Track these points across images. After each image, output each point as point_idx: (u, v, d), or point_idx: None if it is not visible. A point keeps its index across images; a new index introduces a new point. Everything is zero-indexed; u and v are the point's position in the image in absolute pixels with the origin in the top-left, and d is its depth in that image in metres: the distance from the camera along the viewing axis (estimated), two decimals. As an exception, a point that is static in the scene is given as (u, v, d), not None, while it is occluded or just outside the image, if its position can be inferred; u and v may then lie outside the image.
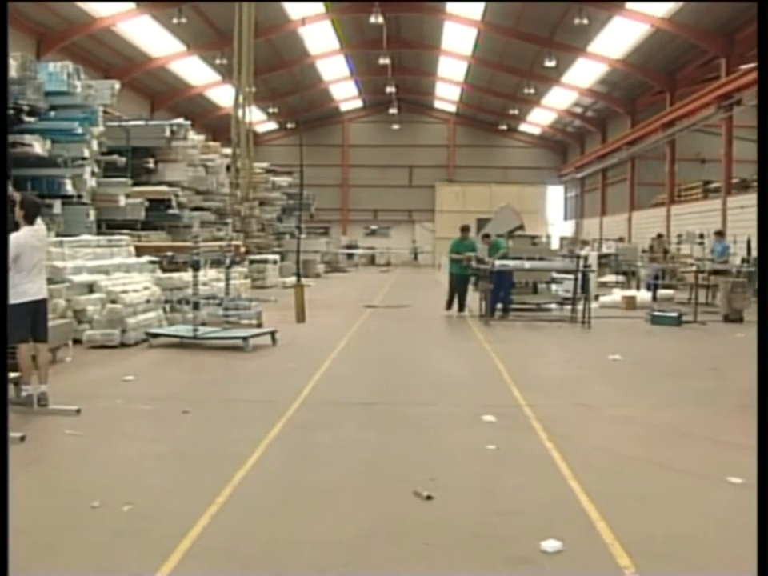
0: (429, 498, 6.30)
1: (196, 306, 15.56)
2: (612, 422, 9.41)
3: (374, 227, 72.19)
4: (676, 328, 19.67)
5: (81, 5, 36.31)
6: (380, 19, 41.36)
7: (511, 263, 21.44)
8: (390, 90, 58.08)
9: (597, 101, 55.18)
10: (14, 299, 8.84)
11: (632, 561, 5.16)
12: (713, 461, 7.70)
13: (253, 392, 11.06)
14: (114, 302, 15.19)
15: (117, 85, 24.79)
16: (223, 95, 50.91)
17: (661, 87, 46.15)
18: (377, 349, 15.94)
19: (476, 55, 50.84)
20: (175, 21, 38.86)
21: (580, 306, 20.48)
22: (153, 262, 18.83)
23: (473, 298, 22.46)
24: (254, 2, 16.53)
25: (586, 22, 37.97)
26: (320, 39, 48.49)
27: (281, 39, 46.51)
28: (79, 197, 22.30)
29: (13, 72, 19.86)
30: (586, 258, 22.60)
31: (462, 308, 22.06)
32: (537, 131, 70.01)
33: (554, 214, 71.95)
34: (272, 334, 15.69)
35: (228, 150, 29.63)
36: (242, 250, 25.53)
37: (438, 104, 69.74)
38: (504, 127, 68.29)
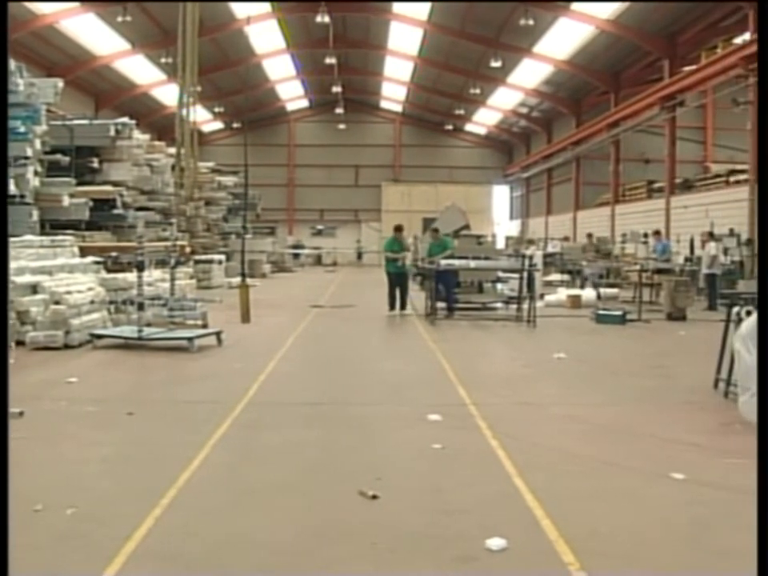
0: (374, 497, 6.30)
1: (141, 307, 15.47)
2: (557, 420, 9.46)
3: (320, 227, 72.07)
4: (620, 326, 19.85)
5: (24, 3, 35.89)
6: (326, 19, 41.33)
7: (457, 262, 21.54)
8: (337, 89, 58.10)
9: (542, 101, 55.54)
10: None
11: (576, 557, 5.20)
12: (656, 457, 7.77)
13: (198, 393, 11.01)
14: (57, 303, 15.06)
15: (60, 83, 24.48)
16: (168, 94, 50.54)
17: (605, 88, 46.58)
18: (322, 349, 15.94)
19: (422, 55, 50.96)
20: (120, 19, 38.53)
21: (525, 305, 20.60)
22: (97, 263, 18.66)
23: (418, 297, 22.51)
24: (197, 1, 16.44)
25: (531, 22, 38.22)
26: (266, 38, 48.30)
27: (226, 38, 46.33)
28: (22, 196, 22.02)
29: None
30: (531, 258, 22.73)
31: (403, 306, 22.16)
32: (483, 131, 70.27)
33: (499, 213, 72.32)
34: (217, 334, 15.61)
35: (173, 150, 29.47)
36: (188, 250, 25.42)
37: (384, 104, 69.79)
38: (450, 127, 68.52)
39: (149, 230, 29.01)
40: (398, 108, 69.53)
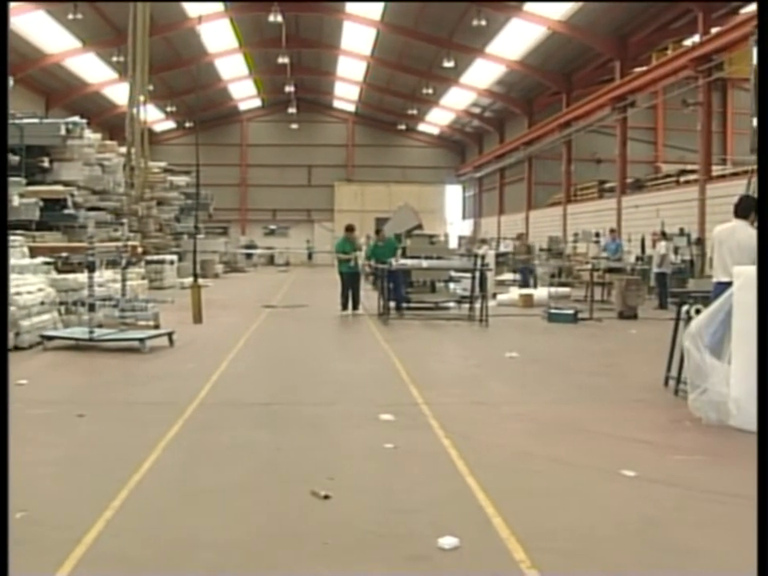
0: (326, 497, 6.29)
1: (92, 308, 15.34)
2: (509, 418, 9.50)
3: (272, 227, 71.90)
4: (572, 325, 19.99)
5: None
6: (279, 18, 41.21)
7: (409, 262, 21.60)
8: (289, 89, 57.95)
9: (495, 101, 55.76)
10: None
11: (527, 555, 5.21)
12: (608, 455, 7.82)
13: (150, 394, 10.94)
14: (6, 303, 14.90)
15: (10, 81, 24.27)
16: (120, 93, 49.98)
17: (557, 88, 46.85)
18: (275, 349, 15.91)
19: (375, 55, 50.99)
20: (71, 17, 38.10)
21: (478, 305, 20.67)
22: (47, 263, 18.46)
23: (371, 297, 22.53)
24: (148, 0, 16.33)
25: (484, 23, 38.31)
26: (218, 37, 48.09)
27: (178, 37, 46.05)
28: (-31, 196, 21.79)
29: None
30: (483, 257, 22.82)
31: (356, 306, 22.18)
32: (435, 131, 70.47)
33: (452, 213, 72.54)
34: (169, 335, 15.51)
35: (125, 149, 29.24)
36: (139, 250, 25.27)
37: (337, 103, 69.76)
38: (403, 127, 68.60)
39: (100, 230, 28.77)
40: (351, 108, 69.53)
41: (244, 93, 65.20)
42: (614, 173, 40.34)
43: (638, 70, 37.71)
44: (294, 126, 67.08)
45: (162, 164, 42.02)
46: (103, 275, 18.01)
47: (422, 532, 5.62)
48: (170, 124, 66.33)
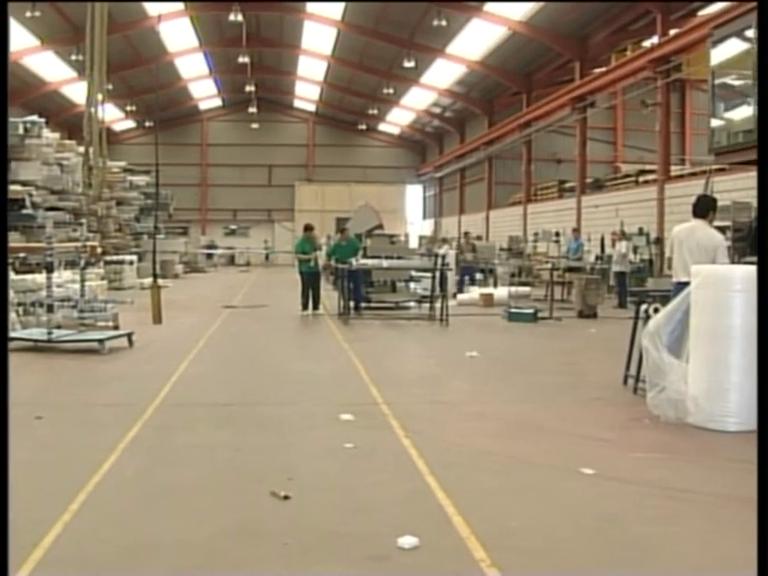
0: (286, 497, 6.27)
1: (50, 309, 15.24)
2: (469, 418, 9.52)
3: (233, 227, 71.68)
4: (532, 324, 20.07)
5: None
6: (239, 17, 41.06)
7: (369, 262, 21.61)
8: (250, 88, 57.77)
9: (455, 101, 55.89)
10: None
11: (487, 554, 5.22)
12: (567, 453, 7.86)
13: (109, 395, 10.86)
14: (-37, 304, 14.76)
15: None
16: (79, 92, 49.53)
17: (517, 89, 47.06)
18: (235, 349, 15.86)
19: (336, 55, 50.92)
20: (29, 14, 37.75)
21: (438, 304, 20.70)
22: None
23: (332, 296, 22.52)
24: (106, 0, 16.21)
25: (444, 23, 38.36)
26: (178, 36, 47.82)
27: (138, 36, 45.70)
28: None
29: None
30: (444, 257, 22.85)
31: (316, 306, 22.16)
32: (396, 131, 70.53)
33: (412, 212, 72.62)
34: (129, 336, 15.42)
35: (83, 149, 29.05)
36: (98, 250, 25.08)
37: (297, 103, 69.63)
38: (363, 127, 68.54)
39: (59, 230, 28.49)
40: (312, 108, 69.43)
41: (204, 92, 64.89)
42: (573, 173, 40.58)
43: (598, 70, 37.96)
44: (255, 125, 66.85)
45: (122, 163, 41.78)
46: (62, 276, 17.89)
47: (382, 532, 5.62)
48: (130, 123, 65.96)
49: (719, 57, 21.75)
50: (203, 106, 69.35)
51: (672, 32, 30.86)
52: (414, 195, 73.27)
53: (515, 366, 13.82)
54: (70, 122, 54.42)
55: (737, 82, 22.02)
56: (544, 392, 11.23)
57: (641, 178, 34.84)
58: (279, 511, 6.08)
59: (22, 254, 18.38)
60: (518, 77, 46.02)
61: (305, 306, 22.08)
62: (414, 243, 45.88)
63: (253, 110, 63.64)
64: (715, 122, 22.00)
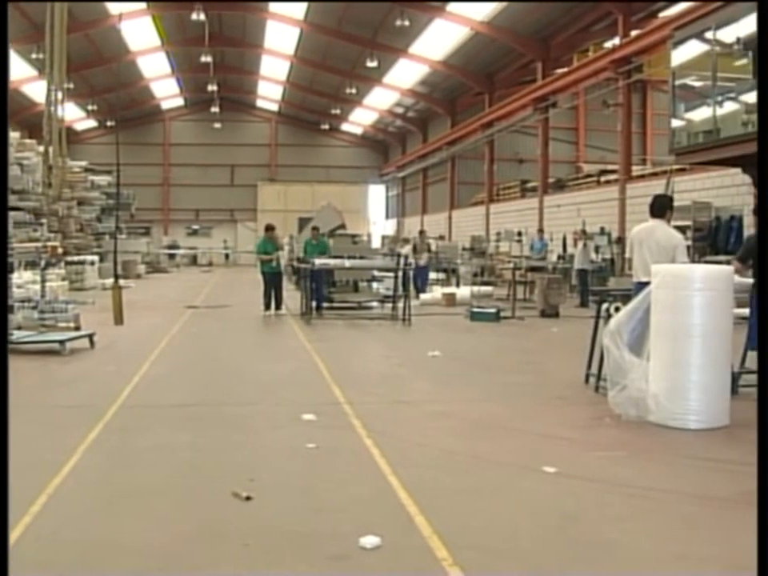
0: (248, 498, 6.25)
1: (10, 310, 15.09)
2: (431, 417, 9.53)
3: (195, 227, 71.37)
4: (494, 324, 20.13)
5: None
6: (202, 17, 40.89)
7: (332, 262, 21.60)
8: (212, 88, 57.54)
9: (418, 101, 55.96)
10: None
11: (449, 553, 5.23)
12: (529, 452, 7.88)
13: (70, 397, 10.79)
14: None
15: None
16: (39, 91, 49.24)
17: (480, 89, 47.18)
18: (197, 350, 15.80)
19: (298, 55, 50.82)
20: (-13, 13, 37.47)
21: (401, 304, 20.72)
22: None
23: (294, 296, 22.48)
24: (66, 0, 16.11)
25: (407, 23, 38.34)
26: (140, 35, 47.52)
27: (99, 34, 45.39)
28: None
29: None
30: (406, 257, 22.87)
31: (278, 306, 22.13)
32: (359, 131, 70.53)
33: (375, 212, 72.66)
34: (90, 336, 15.33)
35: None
36: (59, 251, 24.90)
37: (260, 103, 69.46)
38: (326, 127, 68.44)
39: (19, 230, 28.26)
40: (275, 107, 69.28)
41: (166, 91, 64.55)
42: (536, 172, 40.76)
43: (560, 71, 38.13)
44: (217, 125, 66.57)
45: (84, 163, 41.54)
46: (22, 276, 17.76)
47: (344, 531, 5.61)
48: (92, 123, 65.46)
49: (680, 58, 21.93)
50: (165, 105, 68.98)
51: (633, 33, 31.06)
52: (376, 195, 73.33)
53: (477, 365, 13.83)
54: (30, 121, 53.93)
55: (697, 83, 22.19)
56: (506, 391, 11.26)
57: (602, 178, 35.04)
58: (241, 512, 6.05)
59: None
60: (480, 77, 46.14)
61: (267, 306, 22.05)
62: (376, 243, 45.94)
63: (215, 109, 63.35)
64: (676, 123, 22.17)
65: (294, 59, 52.13)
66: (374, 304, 23.69)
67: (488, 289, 28.15)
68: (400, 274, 21.33)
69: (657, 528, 5.79)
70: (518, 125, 42.88)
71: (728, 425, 8.87)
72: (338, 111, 62.73)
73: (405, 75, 49.78)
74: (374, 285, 24.82)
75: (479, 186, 48.93)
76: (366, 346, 16.85)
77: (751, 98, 19.30)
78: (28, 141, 33.62)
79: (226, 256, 67.27)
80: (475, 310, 21.17)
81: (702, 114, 21.20)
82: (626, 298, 10.25)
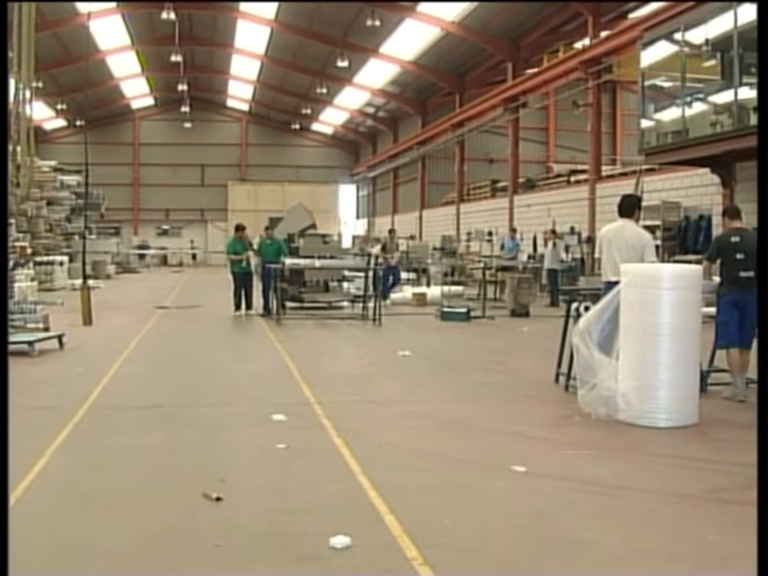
0: (218, 499, 6.24)
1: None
2: (401, 416, 9.54)
3: (165, 227, 71.03)
4: (465, 323, 20.17)
5: None
6: (172, 16, 40.68)
7: (302, 261, 21.57)
8: (182, 87, 57.30)
9: (388, 101, 55.99)
10: None
11: (420, 552, 5.24)
12: (499, 451, 7.92)
13: (38, 398, 10.70)
14: None
15: None
16: (7, 90, 48.94)
17: (450, 89, 47.26)
18: (167, 350, 15.73)
19: (269, 54, 50.69)
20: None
21: (371, 304, 20.72)
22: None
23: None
24: (34, 0, 16.04)
25: (378, 23, 38.30)
26: (110, 34, 47.21)
27: (68, 33, 45.07)
28: None
29: None
30: (377, 257, 22.87)
31: (249, 306, 22.08)
32: (329, 131, 70.50)
33: (346, 212, 72.68)
34: (59, 337, 15.26)
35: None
36: (28, 251, 24.77)
37: (230, 102, 69.27)
38: (297, 126, 68.31)
39: (-14, 230, 28.13)
40: (245, 107, 69.13)
41: (136, 91, 64.20)
42: (506, 172, 40.84)
43: (530, 71, 38.24)
44: (188, 124, 66.28)
45: (53, 163, 41.26)
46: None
47: (314, 532, 5.61)
48: (61, 122, 65.03)
49: (649, 59, 22.08)
50: (135, 104, 68.63)
51: (603, 34, 31.17)
52: (347, 195, 73.37)
53: (448, 364, 13.86)
54: (-2, 120, 53.52)
55: (666, 84, 22.35)
56: (476, 390, 11.29)
57: (572, 178, 35.16)
58: (211, 513, 6.04)
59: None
60: (450, 77, 46.22)
61: (237, 307, 22.00)
62: (347, 243, 45.90)
63: (185, 109, 63.06)
64: (645, 123, 22.31)
65: (265, 59, 51.99)
66: (345, 304, 23.69)
67: (458, 288, 28.19)
68: (370, 273, 21.33)
69: (626, 525, 5.83)
70: (489, 125, 42.96)
71: (697, 423, 8.93)
72: (308, 111, 62.62)
73: (375, 75, 49.77)
74: (345, 285, 24.81)
75: (450, 185, 49.00)
76: (337, 346, 16.84)
77: (719, 98, 19.48)
78: (-4, 140, 33.32)
79: (194, 256, 66.99)
80: (446, 309, 21.20)
81: (671, 114, 21.36)
82: (596, 297, 10.28)
